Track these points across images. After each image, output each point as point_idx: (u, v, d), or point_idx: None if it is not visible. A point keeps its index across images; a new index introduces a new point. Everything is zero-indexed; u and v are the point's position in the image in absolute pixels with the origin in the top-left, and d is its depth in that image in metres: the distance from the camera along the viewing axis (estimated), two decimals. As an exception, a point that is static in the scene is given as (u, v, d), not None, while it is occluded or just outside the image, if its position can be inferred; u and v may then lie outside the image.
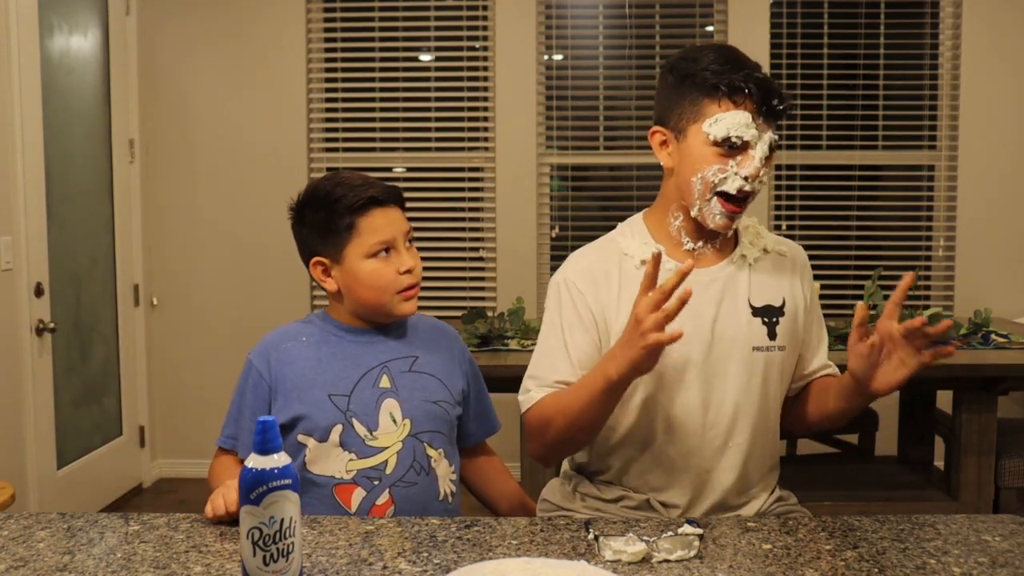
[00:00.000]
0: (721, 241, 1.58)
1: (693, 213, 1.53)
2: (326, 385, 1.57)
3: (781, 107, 1.47)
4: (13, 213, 3.18)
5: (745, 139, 1.46)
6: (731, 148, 1.46)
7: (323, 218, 1.58)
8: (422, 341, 1.67)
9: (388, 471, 1.55)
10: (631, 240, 1.59)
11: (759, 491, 1.60)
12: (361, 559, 1.23)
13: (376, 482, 1.55)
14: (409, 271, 1.58)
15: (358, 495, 1.54)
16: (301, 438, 1.56)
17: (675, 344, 1.33)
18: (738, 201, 1.49)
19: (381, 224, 1.56)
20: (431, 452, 1.59)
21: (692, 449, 1.54)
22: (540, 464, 1.65)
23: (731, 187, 1.47)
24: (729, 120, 1.45)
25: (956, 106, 4.06)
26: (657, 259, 1.34)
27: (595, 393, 1.42)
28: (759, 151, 1.46)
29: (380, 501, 1.55)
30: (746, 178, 1.47)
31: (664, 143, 1.55)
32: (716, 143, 1.47)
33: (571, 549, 1.26)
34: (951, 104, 4.09)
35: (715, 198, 1.49)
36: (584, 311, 1.54)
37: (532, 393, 1.55)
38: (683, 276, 1.30)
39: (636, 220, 1.64)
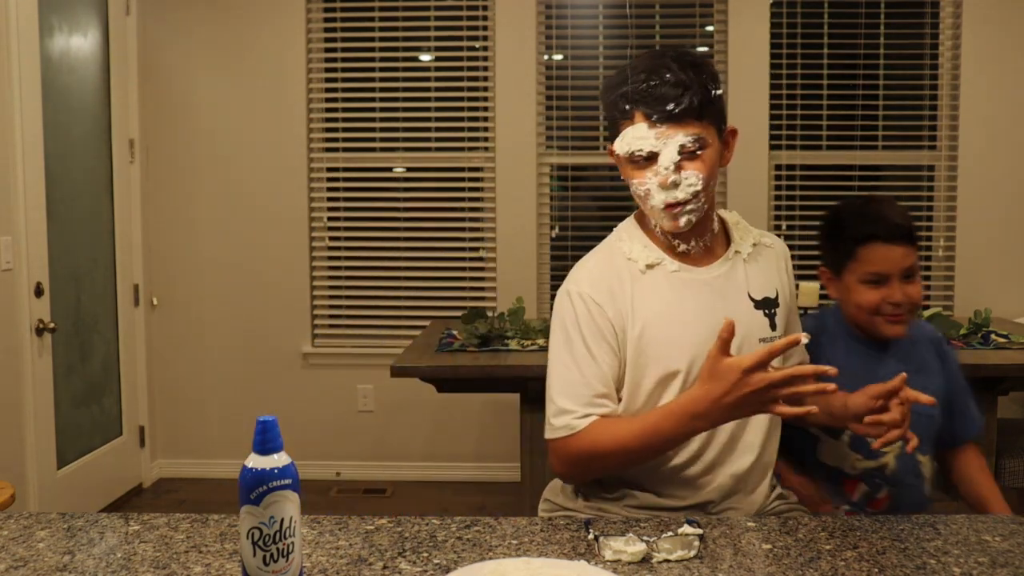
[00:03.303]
0: (711, 239, 1.60)
1: (652, 222, 1.57)
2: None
3: (677, 110, 1.45)
4: (13, 213, 3.18)
5: (646, 150, 1.47)
6: (640, 161, 1.49)
7: (834, 237, 1.81)
8: (916, 353, 1.81)
9: (887, 473, 1.76)
10: (632, 244, 1.59)
11: (765, 480, 1.62)
12: (361, 559, 1.23)
13: (877, 480, 1.76)
14: (896, 304, 1.72)
15: (860, 488, 1.77)
16: (814, 430, 1.76)
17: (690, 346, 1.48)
18: (674, 205, 1.50)
19: (878, 258, 1.72)
20: (921, 458, 1.78)
21: (707, 443, 1.54)
22: (565, 482, 1.64)
23: (657, 202, 1.49)
24: (628, 136, 1.49)
25: (956, 106, 4.07)
26: (731, 328, 1.37)
27: (673, 441, 1.47)
28: (664, 159, 1.47)
29: (879, 496, 1.78)
30: (661, 186, 1.48)
31: (616, 158, 1.58)
32: (628, 158, 1.50)
33: (571, 549, 1.26)
34: (951, 104, 4.09)
35: (652, 207, 1.52)
36: (604, 324, 1.53)
37: (571, 419, 1.50)
38: (791, 344, 1.35)
39: (630, 224, 1.65)
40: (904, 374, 1.47)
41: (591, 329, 1.52)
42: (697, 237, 1.58)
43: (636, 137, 1.47)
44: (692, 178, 1.47)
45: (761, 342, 1.55)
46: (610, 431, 1.47)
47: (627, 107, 1.48)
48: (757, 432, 1.57)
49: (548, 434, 1.53)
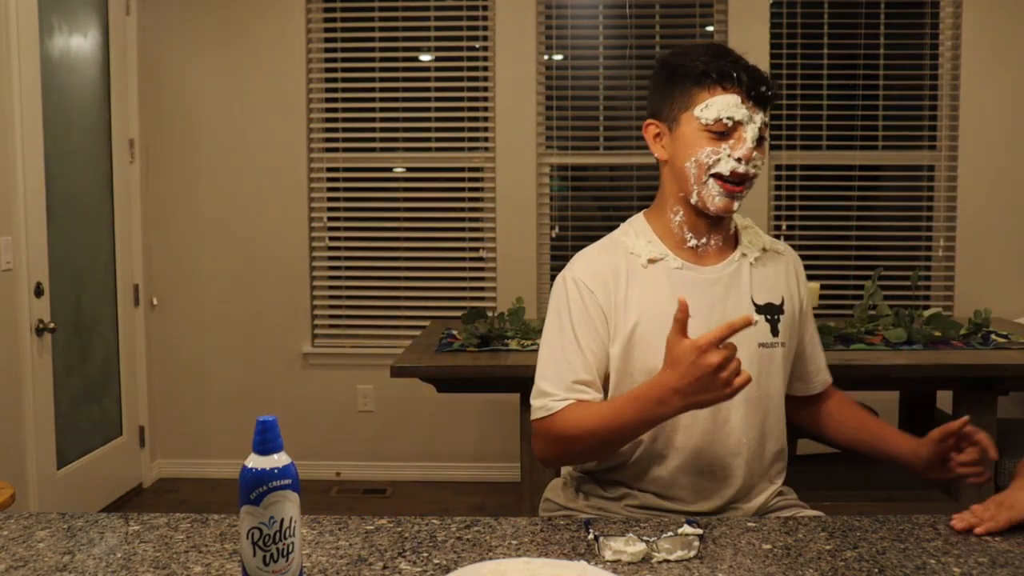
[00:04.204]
0: (723, 239, 1.60)
1: (692, 200, 1.55)
2: None
3: (769, 93, 1.52)
4: (13, 213, 3.18)
5: (736, 119, 1.50)
6: (723, 131, 1.51)
7: None
8: None
9: None
10: (636, 239, 1.60)
11: (766, 484, 1.62)
12: (361, 559, 1.23)
13: None
14: None
15: None
16: None
17: None
18: (735, 182, 1.52)
19: None
20: None
21: (705, 447, 1.55)
22: (543, 465, 1.65)
23: (724, 168, 1.51)
24: (719, 103, 1.50)
25: (956, 106, 4.07)
26: (685, 308, 1.34)
27: (637, 427, 1.44)
28: (750, 132, 1.50)
29: None
30: (739, 159, 1.50)
31: (658, 135, 1.60)
32: (708, 127, 1.51)
33: (571, 549, 1.26)
34: (951, 104, 4.09)
35: (711, 180, 1.52)
36: (595, 311, 1.54)
37: (550, 401, 1.51)
38: (747, 323, 1.32)
39: (638, 219, 1.65)
40: (966, 417, 1.45)
41: (581, 315, 1.54)
42: (712, 234, 1.59)
43: (730, 105, 1.50)
44: (759, 161, 1.53)
45: (761, 347, 1.56)
46: (581, 415, 1.49)
47: (733, 75, 1.50)
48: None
49: (531, 416, 1.56)
